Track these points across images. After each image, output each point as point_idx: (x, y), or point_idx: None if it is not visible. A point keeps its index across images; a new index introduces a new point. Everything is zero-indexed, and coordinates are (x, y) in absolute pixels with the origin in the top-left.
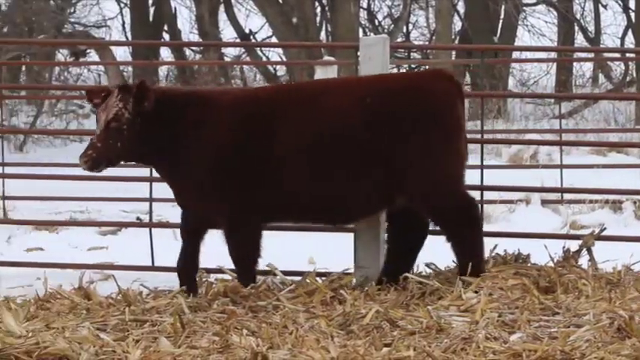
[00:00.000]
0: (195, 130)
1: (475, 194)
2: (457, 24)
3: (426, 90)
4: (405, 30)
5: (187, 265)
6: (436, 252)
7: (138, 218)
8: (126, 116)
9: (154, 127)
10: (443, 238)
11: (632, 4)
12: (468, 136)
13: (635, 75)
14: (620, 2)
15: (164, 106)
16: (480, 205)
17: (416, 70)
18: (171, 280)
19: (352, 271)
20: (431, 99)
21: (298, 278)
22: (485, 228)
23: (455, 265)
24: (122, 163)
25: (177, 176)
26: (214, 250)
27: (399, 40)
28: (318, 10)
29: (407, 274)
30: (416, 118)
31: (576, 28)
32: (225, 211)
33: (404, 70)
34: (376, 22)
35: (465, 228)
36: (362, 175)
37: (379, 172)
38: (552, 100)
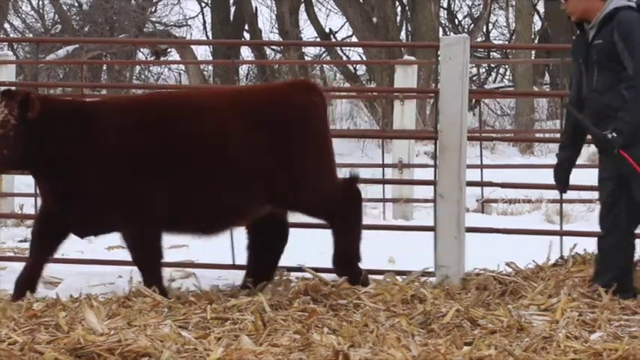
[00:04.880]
0: (81, 141)
1: (554, 193)
2: (537, 24)
3: (286, 102)
4: (485, 29)
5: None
6: (515, 251)
7: None
8: (11, 122)
9: (40, 135)
10: (518, 238)
11: None
12: (549, 135)
13: None
14: None
15: (50, 114)
16: (560, 205)
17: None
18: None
19: (432, 270)
20: (290, 111)
21: (379, 277)
22: (565, 227)
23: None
24: None
25: (63, 187)
26: (294, 248)
27: (479, 39)
28: (399, 9)
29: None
30: (277, 129)
31: None
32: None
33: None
34: (456, 22)
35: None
36: (239, 184)
37: (254, 181)
38: None
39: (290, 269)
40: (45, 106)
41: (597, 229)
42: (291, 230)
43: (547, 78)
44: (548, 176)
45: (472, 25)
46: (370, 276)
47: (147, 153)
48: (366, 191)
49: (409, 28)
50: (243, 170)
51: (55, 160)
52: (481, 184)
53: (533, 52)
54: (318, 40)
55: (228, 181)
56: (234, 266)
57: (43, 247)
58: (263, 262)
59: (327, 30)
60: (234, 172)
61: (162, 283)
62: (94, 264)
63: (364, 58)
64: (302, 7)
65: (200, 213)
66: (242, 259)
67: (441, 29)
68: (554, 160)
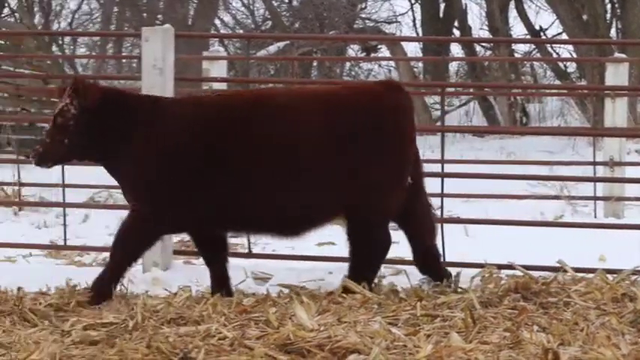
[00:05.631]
0: (140, 135)
1: None
2: None
3: (371, 103)
4: None
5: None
6: None
7: None
8: (72, 112)
9: (100, 125)
10: None
11: None
12: None
13: None
14: None
15: (111, 105)
16: None
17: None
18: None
19: None
20: (375, 112)
21: (589, 275)
22: None
23: None
24: None
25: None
26: (504, 246)
27: None
28: (609, 7)
29: None
30: (359, 131)
31: None
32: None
33: None
34: None
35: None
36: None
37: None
38: None
39: (500, 267)
40: (110, 96)
41: None
42: (501, 228)
43: None
44: None
45: None
46: (581, 274)
47: (211, 152)
48: (577, 189)
49: (619, 26)
50: (328, 172)
51: (117, 150)
52: None
53: None
54: (528, 37)
55: (311, 182)
56: (444, 263)
57: (212, 258)
58: (424, 255)
59: (537, 27)
60: (319, 172)
61: (115, 279)
62: (304, 260)
63: (574, 56)
64: (512, 4)
65: (267, 214)
66: (452, 256)
67: None
68: None
